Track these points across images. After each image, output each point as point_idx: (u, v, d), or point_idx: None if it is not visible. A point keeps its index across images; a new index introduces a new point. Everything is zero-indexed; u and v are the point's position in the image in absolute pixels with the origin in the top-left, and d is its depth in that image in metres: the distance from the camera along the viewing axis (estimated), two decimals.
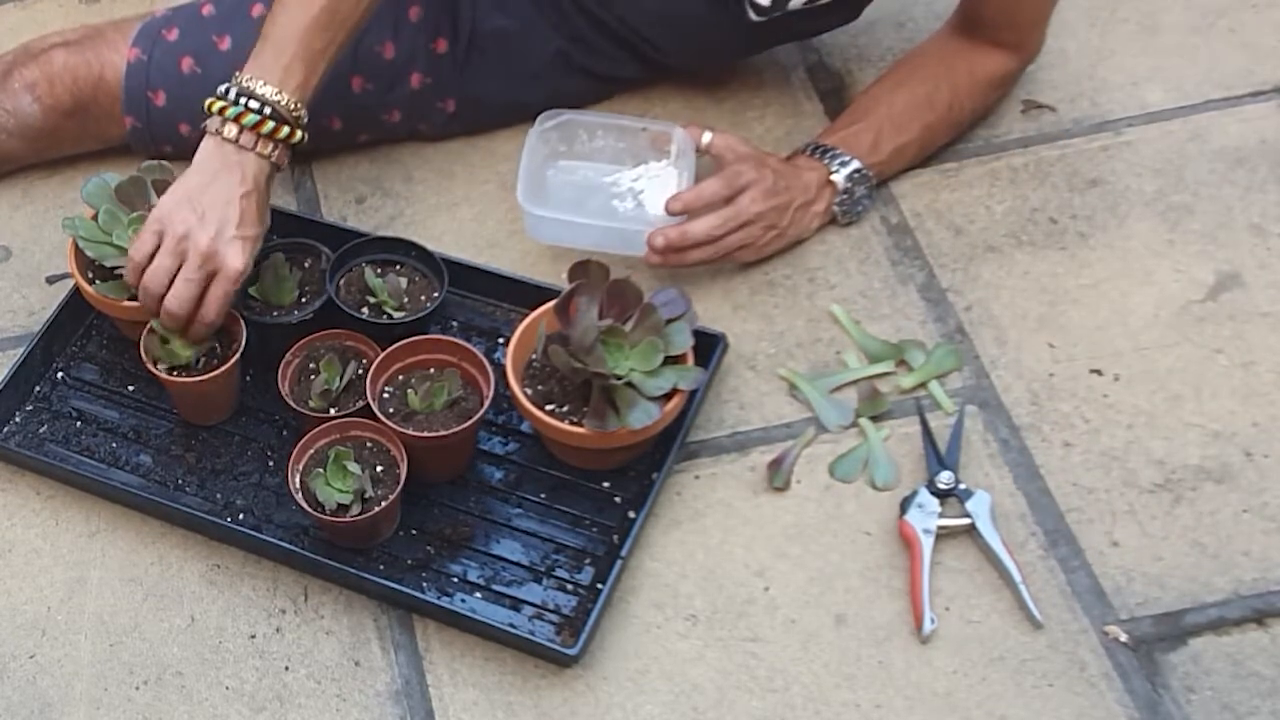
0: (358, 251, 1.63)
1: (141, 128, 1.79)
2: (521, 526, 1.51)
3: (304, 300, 1.61)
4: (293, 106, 1.49)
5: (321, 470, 1.46)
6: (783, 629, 1.44)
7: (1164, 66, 1.87)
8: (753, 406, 1.60)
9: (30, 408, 1.62)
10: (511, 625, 1.43)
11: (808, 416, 1.59)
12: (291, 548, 1.49)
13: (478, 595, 1.46)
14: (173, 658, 1.46)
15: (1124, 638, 1.42)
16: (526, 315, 1.55)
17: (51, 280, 1.75)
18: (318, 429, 1.49)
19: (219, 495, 1.54)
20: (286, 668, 1.45)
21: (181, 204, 1.48)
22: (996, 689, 1.40)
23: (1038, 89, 1.85)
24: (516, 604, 1.46)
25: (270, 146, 1.50)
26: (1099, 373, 1.60)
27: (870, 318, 1.66)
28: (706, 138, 1.67)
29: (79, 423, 1.60)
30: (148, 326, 1.53)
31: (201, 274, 1.48)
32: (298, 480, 1.47)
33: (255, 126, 1.48)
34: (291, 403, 1.53)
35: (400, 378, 1.53)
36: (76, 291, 1.63)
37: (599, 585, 1.45)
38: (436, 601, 1.45)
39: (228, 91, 1.49)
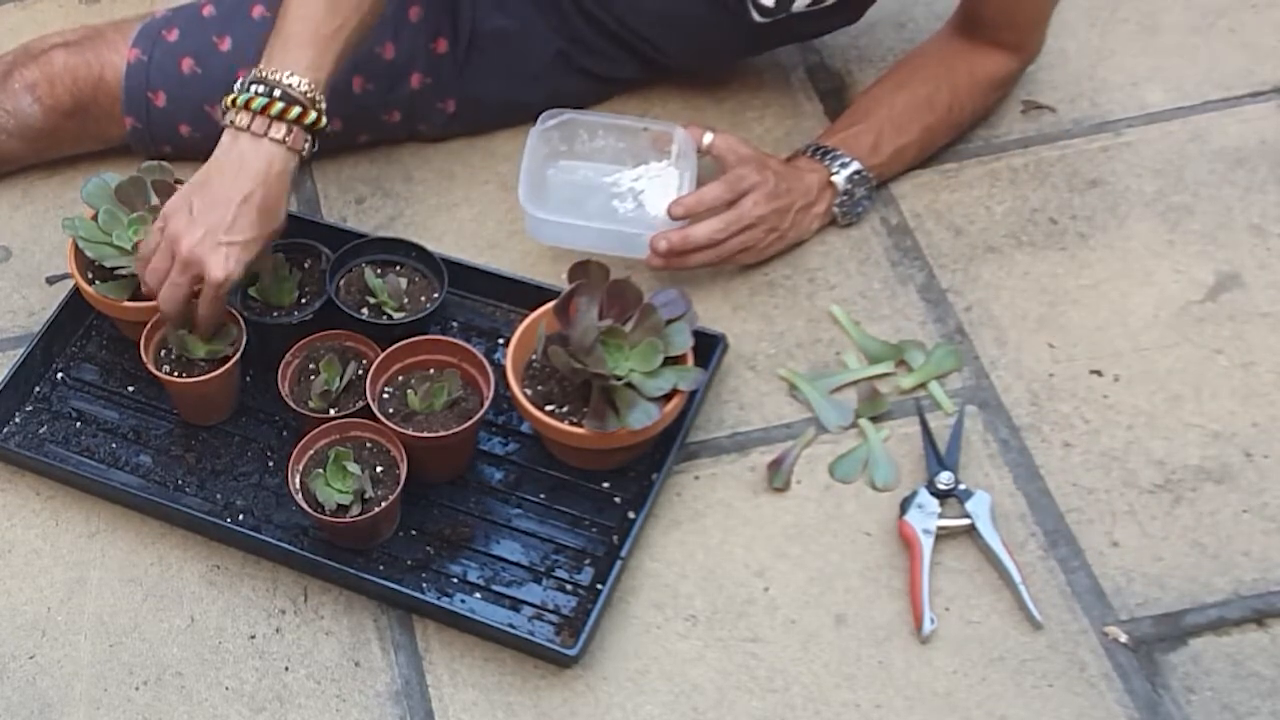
0: (358, 252, 1.63)
1: (141, 128, 1.79)
2: (521, 527, 1.51)
3: (304, 301, 1.61)
4: (305, 88, 1.48)
5: (321, 471, 1.46)
6: (783, 629, 1.44)
7: (1164, 66, 1.87)
8: (753, 407, 1.60)
9: (30, 408, 1.62)
10: (511, 625, 1.43)
11: (808, 417, 1.59)
12: (291, 548, 1.49)
13: (477, 595, 1.46)
14: (172, 658, 1.46)
15: (1124, 638, 1.42)
16: (526, 316, 1.55)
17: (51, 280, 1.75)
18: (318, 429, 1.49)
19: (219, 496, 1.54)
20: (286, 668, 1.45)
21: (181, 203, 1.48)
22: (996, 689, 1.40)
23: (1038, 89, 1.85)
24: (516, 604, 1.46)
25: (283, 129, 1.47)
26: (1099, 373, 1.60)
27: (870, 318, 1.66)
28: (707, 138, 1.67)
29: (79, 423, 1.60)
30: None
31: (185, 278, 1.47)
32: (298, 481, 1.47)
33: (265, 109, 1.47)
34: (291, 403, 1.53)
35: (400, 378, 1.53)
36: (76, 292, 1.63)
37: (599, 585, 1.45)
38: (436, 602, 1.45)
39: (240, 84, 1.49)
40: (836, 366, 1.62)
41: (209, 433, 1.59)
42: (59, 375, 1.64)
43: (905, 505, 1.49)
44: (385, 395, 1.52)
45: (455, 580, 1.47)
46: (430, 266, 1.64)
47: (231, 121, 1.49)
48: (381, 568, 1.48)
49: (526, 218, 1.70)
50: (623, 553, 1.45)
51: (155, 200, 1.59)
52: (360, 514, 1.44)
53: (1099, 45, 1.90)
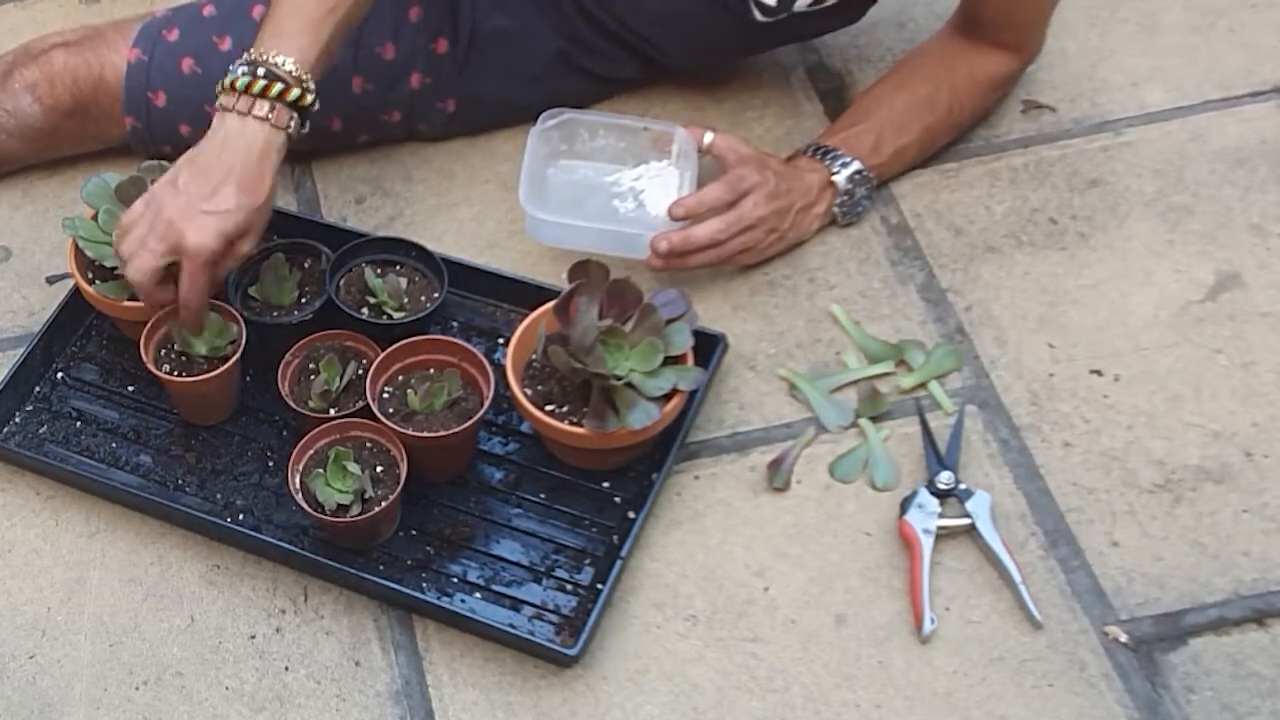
0: (358, 251, 1.63)
1: (141, 128, 1.79)
2: (521, 527, 1.51)
3: (304, 300, 1.61)
4: (290, 67, 1.48)
5: (321, 470, 1.46)
6: (783, 629, 1.44)
7: (1164, 66, 1.87)
8: (753, 407, 1.60)
9: (30, 408, 1.62)
10: (511, 625, 1.43)
11: (808, 417, 1.59)
12: (291, 548, 1.49)
13: (477, 595, 1.46)
14: (172, 658, 1.46)
15: (1124, 638, 1.42)
16: (526, 315, 1.55)
17: (51, 280, 1.75)
18: (318, 429, 1.49)
19: (219, 495, 1.54)
20: (286, 668, 1.45)
21: (169, 178, 1.49)
22: (996, 689, 1.40)
23: (1038, 89, 1.85)
24: (516, 604, 1.46)
25: (266, 106, 1.47)
26: (1099, 373, 1.60)
27: (870, 318, 1.66)
28: (708, 138, 1.67)
29: (79, 423, 1.60)
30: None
31: (163, 246, 1.46)
32: (298, 480, 1.47)
33: (248, 88, 1.47)
34: (291, 403, 1.53)
35: (400, 378, 1.53)
36: (76, 291, 1.63)
37: (599, 585, 1.45)
38: (436, 602, 1.45)
39: (231, 68, 1.50)
40: (836, 366, 1.62)
41: (209, 432, 1.59)
42: (59, 375, 1.64)
43: (905, 505, 1.49)
44: (385, 395, 1.52)
45: (455, 580, 1.47)
46: (430, 266, 1.64)
47: (220, 104, 1.49)
48: (381, 568, 1.48)
49: (526, 218, 1.70)
50: (623, 552, 1.45)
51: None
52: (360, 514, 1.44)
53: (1099, 45, 1.90)
